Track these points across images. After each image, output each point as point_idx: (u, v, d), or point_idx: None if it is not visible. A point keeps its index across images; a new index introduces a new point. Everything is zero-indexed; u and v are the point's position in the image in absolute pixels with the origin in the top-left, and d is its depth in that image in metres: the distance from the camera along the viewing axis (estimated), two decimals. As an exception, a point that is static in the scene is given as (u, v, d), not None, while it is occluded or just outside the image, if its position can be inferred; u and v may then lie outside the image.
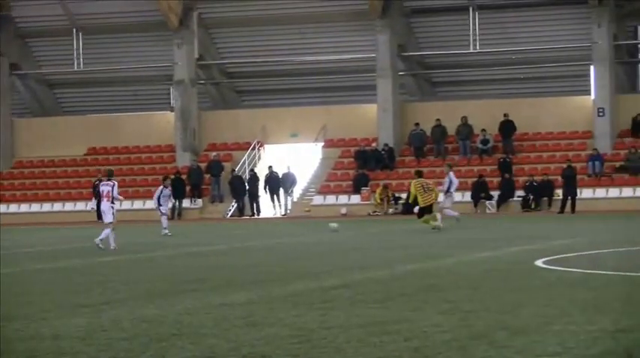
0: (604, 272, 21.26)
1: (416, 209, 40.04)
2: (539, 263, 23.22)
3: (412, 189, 40.09)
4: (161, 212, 42.27)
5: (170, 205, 51.21)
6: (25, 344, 11.47)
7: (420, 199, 40.10)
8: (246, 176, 64.82)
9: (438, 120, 65.48)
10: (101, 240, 31.80)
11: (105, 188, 32.79)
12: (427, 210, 40.43)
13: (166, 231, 41.53)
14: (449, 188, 44.23)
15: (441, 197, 43.39)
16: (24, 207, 67.44)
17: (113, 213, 32.23)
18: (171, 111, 69.57)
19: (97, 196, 58.04)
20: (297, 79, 71.38)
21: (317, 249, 32.32)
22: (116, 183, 33.52)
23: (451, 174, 45.38)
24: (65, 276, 23.10)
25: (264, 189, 63.80)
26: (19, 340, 11.83)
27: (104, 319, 14.04)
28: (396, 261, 25.22)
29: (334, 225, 31.44)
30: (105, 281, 21.38)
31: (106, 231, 32.04)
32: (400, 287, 18.87)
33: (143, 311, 14.90)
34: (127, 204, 63.42)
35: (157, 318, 14.03)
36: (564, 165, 59.28)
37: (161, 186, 40.98)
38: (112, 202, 32.59)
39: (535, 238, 34.35)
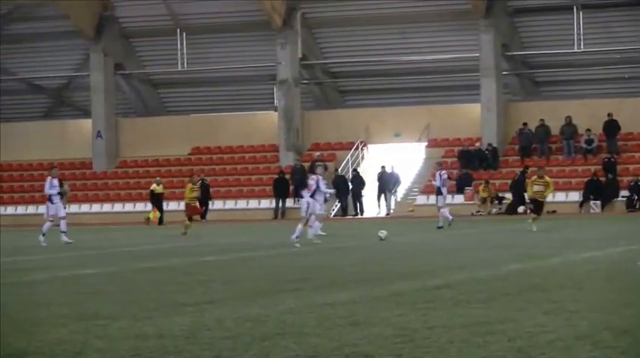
0: None
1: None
2: None
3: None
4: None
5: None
6: (130, 342, 11.52)
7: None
8: (349, 175, 64.80)
9: (541, 120, 65.09)
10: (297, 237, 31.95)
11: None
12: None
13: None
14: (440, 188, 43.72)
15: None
16: (128, 206, 67.98)
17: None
18: (275, 110, 69.74)
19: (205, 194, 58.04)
20: (399, 79, 71.28)
21: (420, 249, 32.23)
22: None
23: (442, 172, 44.84)
24: (168, 275, 23.23)
25: (378, 187, 63.79)
26: (124, 338, 11.89)
27: (207, 318, 14.05)
28: (499, 260, 25.07)
29: (384, 232, 31.05)
30: (207, 280, 21.45)
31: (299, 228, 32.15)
32: (503, 287, 18.73)
33: (246, 311, 14.88)
34: (230, 204, 64.01)
35: (259, 317, 14.00)
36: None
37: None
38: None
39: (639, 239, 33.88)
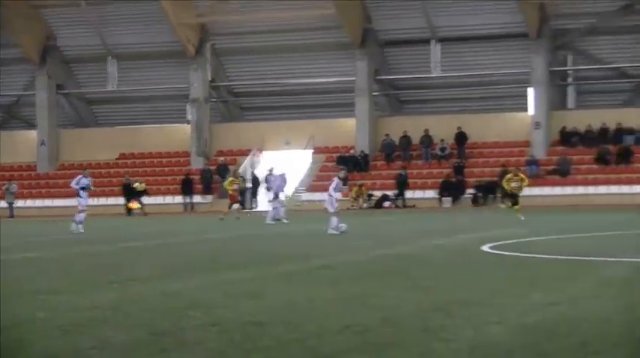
0: (538, 255, 21.05)
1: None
2: (485, 248, 22.98)
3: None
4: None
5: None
6: (67, 314, 11.48)
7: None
8: (248, 177, 64.64)
9: (404, 131, 65.43)
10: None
11: None
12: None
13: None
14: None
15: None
16: (68, 202, 67.24)
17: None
18: (188, 124, 69.21)
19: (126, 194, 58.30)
20: (290, 98, 71.14)
21: (304, 237, 32.18)
22: None
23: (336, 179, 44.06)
24: (100, 258, 22.98)
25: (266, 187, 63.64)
26: (63, 311, 11.81)
27: (131, 293, 13.98)
28: (370, 247, 25.04)
29: (343, 226, 30.32)
30: (133, 262, 21.35)
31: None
32: (372, 268, 18.79)
33: (163, 287, 14.78)
34: (151, 200, 63.47)
35: (173, 293, 13.94)
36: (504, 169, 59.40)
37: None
38: None
39: (482, 228, 34.05)
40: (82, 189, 35.30)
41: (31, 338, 9.59)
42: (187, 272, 17.86)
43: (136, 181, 62.47)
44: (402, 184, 62.32)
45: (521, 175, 41.60)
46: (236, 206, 45.75)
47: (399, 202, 62.10)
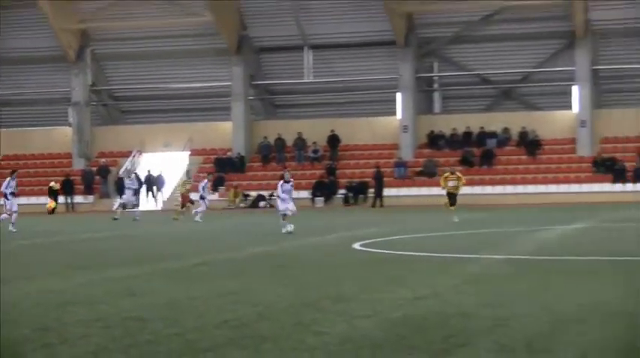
0: (406, 253, 21.33)
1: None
2: (356, 246, 23.16)
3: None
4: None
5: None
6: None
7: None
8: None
9: (279, 134, 65.59)
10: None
11: None
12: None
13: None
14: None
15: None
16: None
17: None
18: (70, 126, 68.39)
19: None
20: (169, 102, 70.71)
21: (182, 236, 31.95)
22: None
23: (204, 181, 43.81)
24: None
25: (146, 187, 63.10)
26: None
27: (21, 291, 13.88)
28: (245, 245, 25.01)
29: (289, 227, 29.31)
30: (18, 260, 21.00)
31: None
32: (249, 265, 18.86)
33: (49, 285, 14.70)
34: (33, 199, 62.26)
35: (59, 290, 13.84)
36: (375, 170, 60.04)
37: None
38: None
39: (353, 227, 34.31)
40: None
41: None
42: (70, 270, 17.71)
43: (52, 181, 61.73)
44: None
45: (458, 174, 39.73)
46: (189, 206, 44.62)
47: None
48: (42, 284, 14.81)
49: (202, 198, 42.17)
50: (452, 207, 37.51)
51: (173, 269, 17.93)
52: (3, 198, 36.08)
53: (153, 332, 9.47)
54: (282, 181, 29.73)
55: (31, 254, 23.94)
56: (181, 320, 10.29)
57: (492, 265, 18.07)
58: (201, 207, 41.76)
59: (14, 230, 34.08)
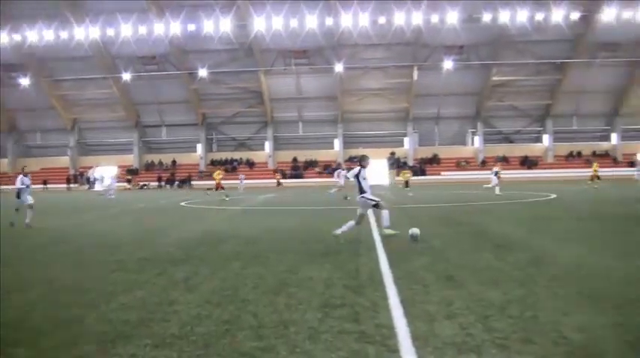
0: (210, 207, 31.37)
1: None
2: (182, 204, 31.65)
3: None
4: None
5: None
6: None
7: None
8: None
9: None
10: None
11: None
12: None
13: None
14: None
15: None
16: None
17: None
18: None
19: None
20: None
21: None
22: None
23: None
24: None
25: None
26: None
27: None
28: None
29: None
30: None
31: None
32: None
33: None
34: None
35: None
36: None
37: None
38: None
39: (179, 198, 41.05)
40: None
41: None
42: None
43: None
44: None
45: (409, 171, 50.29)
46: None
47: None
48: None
49: None
50: (407, 188, 47.29)
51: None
52: None
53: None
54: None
55: None
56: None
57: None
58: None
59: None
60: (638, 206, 27.83)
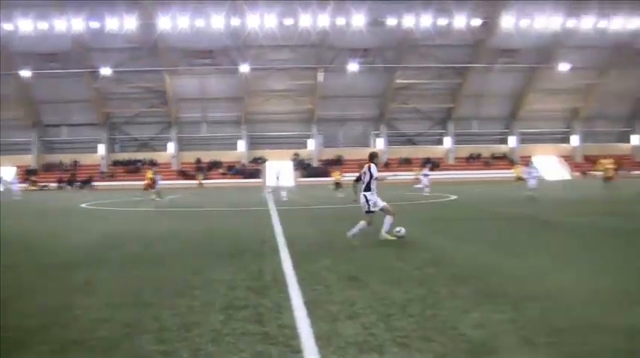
0: (117, 208, 32.51)
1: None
2: (83, 205, 32.20)
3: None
4: None
5: None
6: None
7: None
8: None
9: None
10: None
11: None
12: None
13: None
14: None
15: None
16: None
17: None
18: None
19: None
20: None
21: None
22: None
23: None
24: None
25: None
26: None
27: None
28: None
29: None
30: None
31: None
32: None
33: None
34: None
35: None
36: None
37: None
38: None
39: (84, 200, 42.79)
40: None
41: None
42: None
43: None
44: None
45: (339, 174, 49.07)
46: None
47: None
48: None
49: None
50: (339, 189, 45.19)
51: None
52: None
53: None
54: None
55: None
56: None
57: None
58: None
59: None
60: (529, 205, 28.66)
